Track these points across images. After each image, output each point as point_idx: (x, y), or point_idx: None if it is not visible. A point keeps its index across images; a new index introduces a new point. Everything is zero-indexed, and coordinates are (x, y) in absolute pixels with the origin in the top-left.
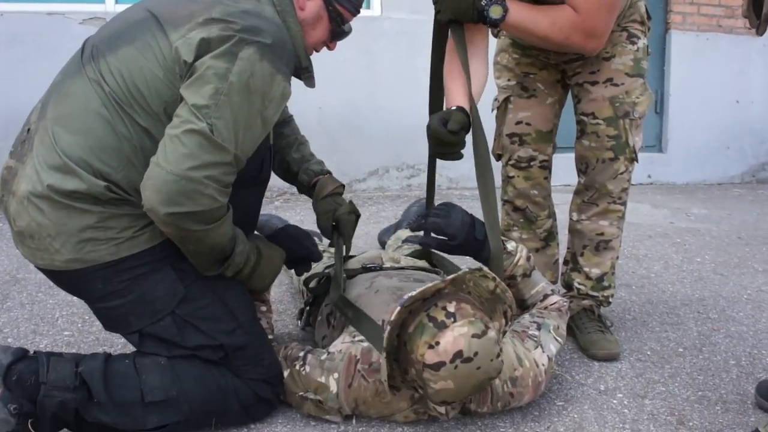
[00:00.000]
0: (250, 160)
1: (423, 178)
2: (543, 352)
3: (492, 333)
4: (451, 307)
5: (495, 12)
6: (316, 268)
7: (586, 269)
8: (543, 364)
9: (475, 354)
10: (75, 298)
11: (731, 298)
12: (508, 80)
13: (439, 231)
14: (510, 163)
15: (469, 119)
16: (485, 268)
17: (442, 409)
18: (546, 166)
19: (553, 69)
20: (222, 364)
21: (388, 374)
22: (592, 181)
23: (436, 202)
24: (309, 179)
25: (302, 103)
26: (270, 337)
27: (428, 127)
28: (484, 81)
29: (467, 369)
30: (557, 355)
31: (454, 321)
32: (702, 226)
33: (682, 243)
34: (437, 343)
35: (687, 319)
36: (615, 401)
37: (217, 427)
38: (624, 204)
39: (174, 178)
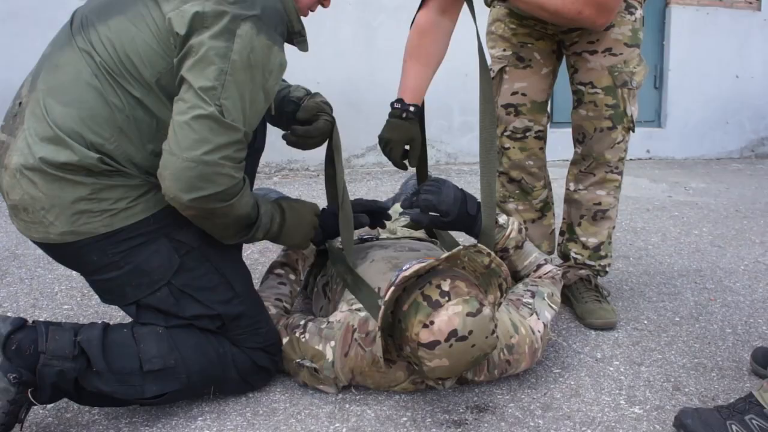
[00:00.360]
0: None
1: None
2: (538, 319)
3: (487, 310)
4: (446, 286)
5: None
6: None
7: (583, 239)
8: (539, 331)
9: (470, 332)
10: (74, 272)
11: (728, 269)
12: (504, 50)
13: (432, 208)
14: (505, 134)
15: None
16: (480, 244)
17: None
18: (541, 137)
19: (550, 39)
20: (220, 334)
21: (384, 349)
22: (589, 150)
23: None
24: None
25: (301, 78)
26: (288, 307)
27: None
28: (440, 60)
29: (462, 347)
30: (552, 321)
31: (449, 300)
32: (700, 200)
33: (680, 216)
34: (432, 323)
35: (684, 290)
36: (611, 368)
37: (215, 396)
38: (621, 174)
39: (190, 165)
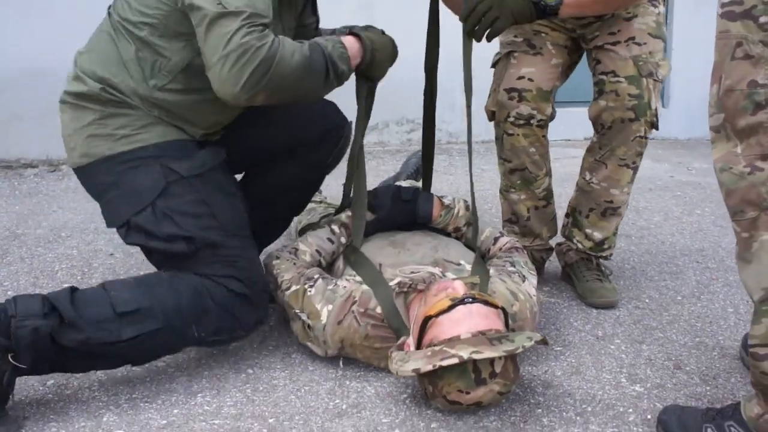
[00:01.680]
0: None
1: None
2: (530, 284)
3: (512, 388)
4: (498, 367)
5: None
6: (312, 218)
7: (588, 230)
8: (534, 295)
9: (489, 403)
10: (74, 251)
11: (730, 248)
12: (515, 36)
13: (368, 207)
14: (509, 120)
15: None
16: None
17: None
18: (543, 125)
19: (564, 32)
20: (192, 267)
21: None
22: (607, 141)
23: (436, 157)
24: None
25: None
26: (323, 262)
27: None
28: None
29: (475, 409)
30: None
31: (494, 379)
32: (703, 180)
33: (682, 196)
34: (467, 393)
35: (686, 269)
36: (612, 347)
37: (201, 336)
38: (636, 169)
39: (222, 61)
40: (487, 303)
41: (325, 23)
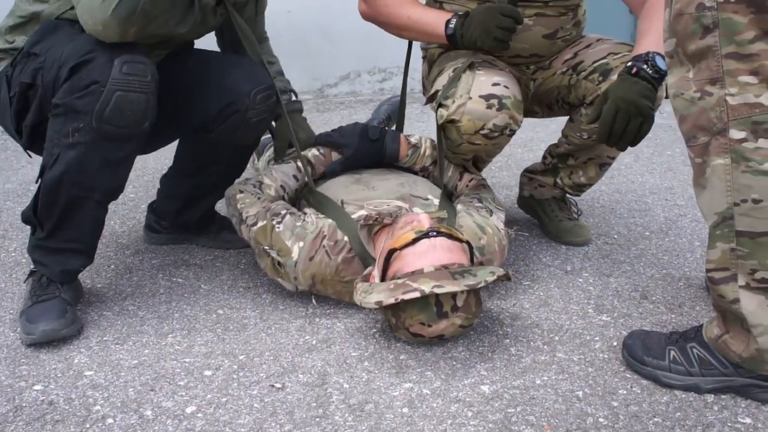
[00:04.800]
0: None
1: (395, 82)
2: (498, 218)
3: (475, 322)
4: (460, 300)
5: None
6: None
7: (577, 176)
8: (502, 229)
9: (451, 336)
10: None
11: None
12: (473, 53)
13: (331, 143)
14: (481, 132)
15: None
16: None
17: None
18: (513, 135)
19: (518, 70)
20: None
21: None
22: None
23: (409, 105)
24: None
25: (271, 7)
26: (286, 198)
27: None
28: None
29: (438, 342)
30: (503, 222)
31: (455, 313)
32: (674, 123)
33: (653, 138)
34: (429, 326)
35: (655, 206)
36: (581, 280)
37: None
38: None
39: None
40: (451, 237)
41: None
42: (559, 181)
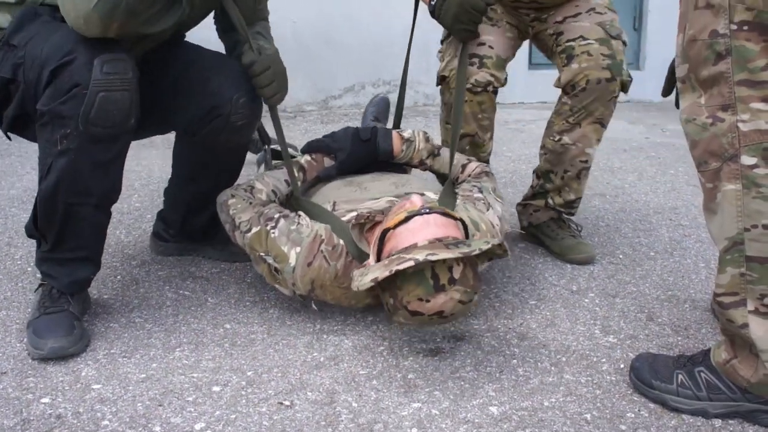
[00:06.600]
0: None
1: None
2: (494, 213)
3: (475, 298)
4: (457, 272)
5: None
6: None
7: (566, 193)
8: (497, 225)
9: (452, 314)
10: None
11: None
12: None
13: (326, 150)
14: (466, 87)
15: None
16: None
17: None
18: (496, 92)
19: (516, 15)
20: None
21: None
22: (581, 102)
23: (413, 118)
24: None
25: (276, 17)
26: (276, 203)
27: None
28: None
29: (439, 321)
30: (503, 214)
31: (453, 286)
32: (677, 141)
33: (656, 156)
34: (427, 301)
35: (659, 226)
36: (587, 300)
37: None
38: (605, 128)
39: None
40: (444, 214)
41: None
42: (550, 201)
